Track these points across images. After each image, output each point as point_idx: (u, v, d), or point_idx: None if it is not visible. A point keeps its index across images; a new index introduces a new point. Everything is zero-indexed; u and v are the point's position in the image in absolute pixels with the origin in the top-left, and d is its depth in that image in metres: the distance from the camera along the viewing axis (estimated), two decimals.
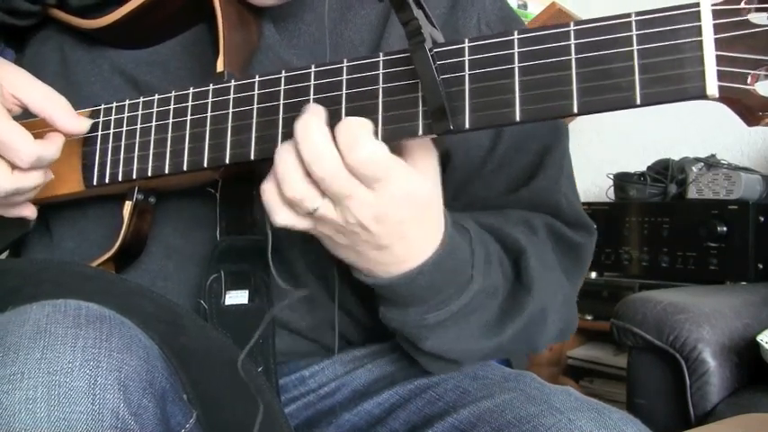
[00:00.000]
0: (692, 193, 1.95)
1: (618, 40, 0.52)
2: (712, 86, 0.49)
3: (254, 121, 0.63)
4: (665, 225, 1.94)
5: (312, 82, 0.62)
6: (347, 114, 0.59)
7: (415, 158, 0.60)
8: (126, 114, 0.72)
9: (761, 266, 1.81)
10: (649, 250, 1.97)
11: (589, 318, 2.13)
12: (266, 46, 0.77)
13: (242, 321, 0.72)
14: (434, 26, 0.58)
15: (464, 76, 0.56)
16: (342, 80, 0.60)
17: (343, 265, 0.67)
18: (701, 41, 0.50)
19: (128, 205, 0.74)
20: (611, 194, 2.18)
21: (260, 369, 0.71)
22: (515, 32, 0.55)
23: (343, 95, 0.60)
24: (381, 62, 0.59)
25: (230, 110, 0.65)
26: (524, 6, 2.33)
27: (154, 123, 0.70)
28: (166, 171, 0.68)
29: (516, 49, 0.55)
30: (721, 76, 0.49)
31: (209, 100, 0.66)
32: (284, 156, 0.58)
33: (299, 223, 0.61)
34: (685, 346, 1.44)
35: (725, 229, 1.83)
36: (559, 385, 0.71)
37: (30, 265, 0.71)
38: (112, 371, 0.51)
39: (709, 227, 1.84)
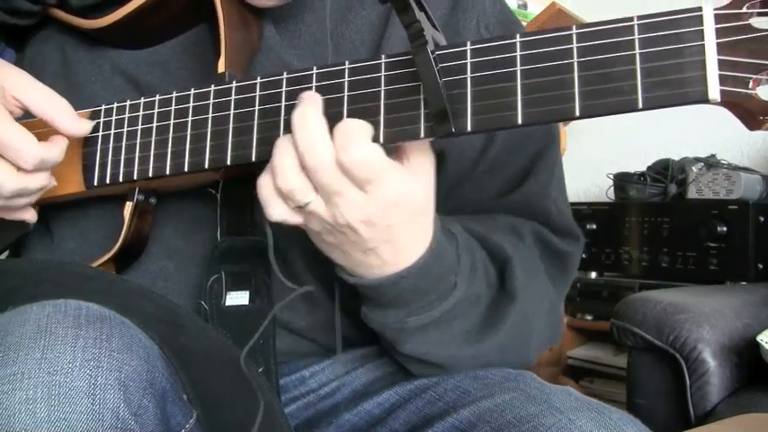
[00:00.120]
0: (692, 193, 1.95)
1: (620, 44, 0.52)
2: (714, 91, 0.49)
3: (256, 122, 0.63)
4: (665, 225, 1.94)
5: (314, 84, 0.62)
6: (348, 116, 0.59)
7: (411, 161, 0.60)
8: (127, 115, 0.72)
9: (761, 266, 1.81)
10: (649, 250, 1.97)
11: (589, 318, 2.13)
12: (267, 47, 0.77)
13: (242, 322, 0.72)
14: (436, 28, 0.58)
15: (466, 78, 0.56)
16: (343, 82, 0.60)
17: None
18: (703, 46, 0.50)
19: (128, 206, 0.74)
20: (611, 194, 2.18)
21: (260, 369, 0.71)
22: (518, 35, 0.55)
23: (345, 97, 0.60)
24: (383, 64, 0.59)
25: (231, 111, 0.65)
26: (524, 6, 2.32)
27: (155, 124, 0.70)
28: (167, 172, 0.68)
29: (518, 52, 0.55)
30: (723, 80, 0.49)
31: (211, 101, 0.66)
32: (281, 146, 0.59)
33: (292, 218, 0.61)
34: (685, 346, 1.44)
35: (725, 229, 1.83)
36: (559, 385, 0.71)
37: (30, 266, 0.71)
38: (113, 371, 0.51)
39: (709, 227, 1.84)
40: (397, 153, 0.60)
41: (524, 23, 2.04)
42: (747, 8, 0.49)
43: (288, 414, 0.79)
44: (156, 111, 0.70)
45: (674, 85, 0.50)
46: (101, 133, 0.73)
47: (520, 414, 0.64)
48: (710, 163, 2.02)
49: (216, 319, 0.73)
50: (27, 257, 0.83)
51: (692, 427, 1.39)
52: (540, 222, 0.80)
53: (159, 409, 0.54)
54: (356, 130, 0.57)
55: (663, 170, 2.05)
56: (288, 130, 0.61)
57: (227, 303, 0.73)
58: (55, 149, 0.68)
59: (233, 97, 0.65)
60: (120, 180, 0.71)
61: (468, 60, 0.56)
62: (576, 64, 0.53)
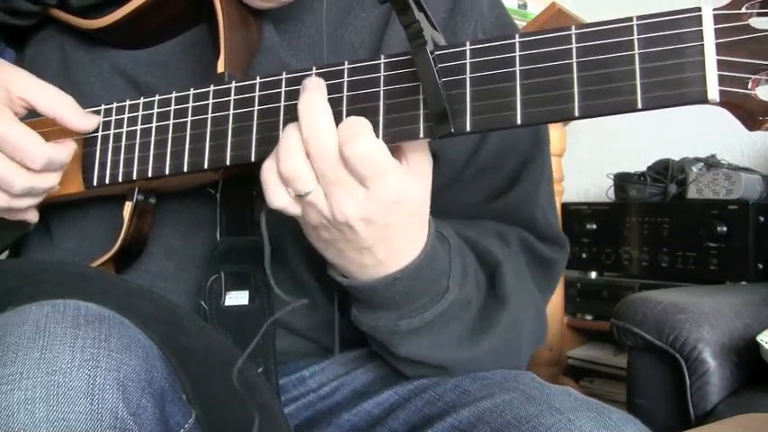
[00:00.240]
0: (692, 193, 1.95)
1: (620, 44, 0.52)
2: (713, 91, 0.49)
3: (255, 122, 0.63)
4: (665, 225, 1.94)
5: None
6: (348, 116, 0.59)
7: (410, 161, 0.60)
8: (126, 115, 0.72)
9: (761, 266, 1.80)
10: (649, 250, 1.97)
11: (589, 318, 2.13)
12: (266, 47, 0.77)
13: (242, 322, 0.72)
14: (436, 29, 0.58)
15: (465, 78, 0.56)
16: (343, 82, 0.60)
17: None
18: (702, 46, 0.50)
19: (128, 206, 0.74)
20: (612, 194, 2.18)
21: (260, 369, 0.72)
22: (517, 35, 0.55)
23: (345, 97, 0.60)
24: (383, 64, 0.59)
25: (231, 111, 0.65)
26: (524, 6, 2.32)
27: (154, 124, 0.70)
28: (167, 172, 0.68)
29: (518, 53, 0.55)
30: (722, 80, 0.49)
31: (210, 101, 0.66)
32: (288, 131, 0.59)
33: (291, 207, 0.60)
34: (685, 346, 1.43)
35: (725, 229, 1.82)
36: (559, 385, 0.71)
37: (29, 266, 0.71)
38: (111, 371, 0.51)
39: (710, 227, 1.84)
40: (396, 153, 0.60)
41: (524, 23, 2.04)
42: (747, 8, 0.49)
43: (287, 414, 0.79)
44: (155, 111, 0.70)
45: (674, 86, 0.50)
46: (100, 133, 0.73)
47: (519, 414, 0.64)
48: (710, 163, 2.02)
49: (215, 318, 0.73)
50: (27, 257, 0.83)
51: (692, 427, 1.39)
52: (527, 229, 0.81)
53: (158, 408, 0.54)
54: (362, 126, 0.57)
55: (663, 170, 2.05)
56: None
57: (226, 303, 0.73)
58: (62, 151, 0.69)
59: (232, 97, 0.65)
60: (120, 180, 0.71)
61: (468, 60, 0.56)
62: (575, 64, 0.53)
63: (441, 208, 0.78)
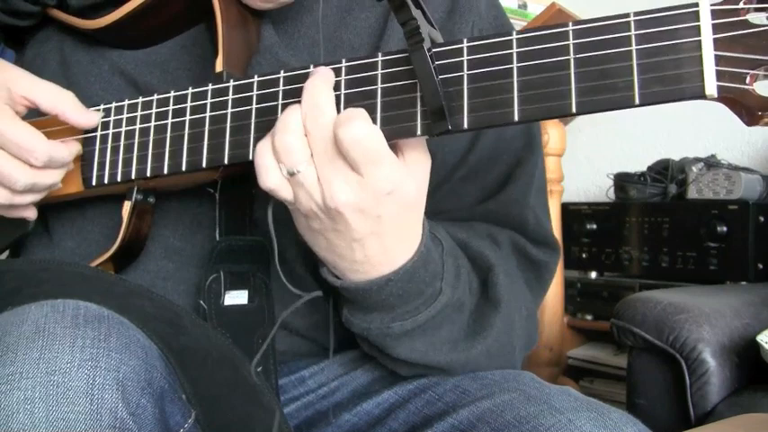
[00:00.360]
0: (692, 193, 1.95)
1: (616, 40, 0.52)
2: (711, 86, 0.49)
3: (253, 121, 0.63)
4: (665, 225, 1.94)
5: None
6: None
7: (407, 160, 0.60)
8: (125, 115, 0.72)
9: (761, 266, 1.80)
10: (649, 250, 1.97)
11: (589, 318, 2.12)
12: (265, 47, 0.77)
13: (242, 321, 0.72)
14: (433, 26, 0.58)
15: (462, 76, 0.56)
16: (340, 80, 0.60)
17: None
18: (699, 41, 0.50)
19: (127, 205, 0.74)
20: (612, 194, 2.18)
21: (260, 369, 0.71)
22: (514, 32, 0.55)
23: (342, 95, 0.60)
24: (380, 62, 0.59)
25: (229, 110, 0.65)
26: (524, 6, 2.32)
27: (153, 124, 0.70)
28: (165, 171, 0.68)
29: (515, 49, 0.55)
30: (720, 76, 0.49)
31: (208, 100, 0.66)
32: (288, 110, 0.59)
33: (283, 188, 0.60)
34: (685, 346, 1.43)
35: (725, 229, 1.82)
36: (559, 385, 0.71)
37: (29, 266, 0.71)
38: (111, 371, 0.51)
39: (710, 227, 1.84)
40: (394, 151, 0.60)
41: (524, 23, 2.04)
42: (744, 4, 0.49)
43: (287, 414, 0.79)
44: (153, 110, 0.70)
45: (671, 81, 0.50)
46: (99, 133, 0.73)
47: (519, 414, 0.64)
48: (710, 163, 2.02)
49: (215, 318, 0.72)
50: (27, 257, 0.83)
51: (692, 427, 1.39)
52: (518, 231, 0.81)
53: (157, 408, 0.54)
54: (359, 112, 0.57)
55: (663, 170, 2.05)
56: None
57: (225, 303, 0.73)
58: (63, 148, 0.70)
59: (230, 96, 0.65)
60: (119, 180, 0.72)
61: (465, 58, 0.56)
62: (572, 60, 0.53)
63: (432, 209, 0.78)
